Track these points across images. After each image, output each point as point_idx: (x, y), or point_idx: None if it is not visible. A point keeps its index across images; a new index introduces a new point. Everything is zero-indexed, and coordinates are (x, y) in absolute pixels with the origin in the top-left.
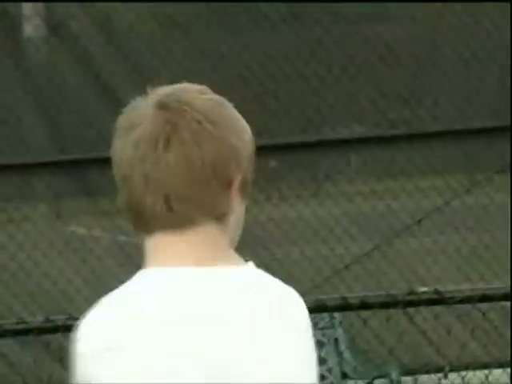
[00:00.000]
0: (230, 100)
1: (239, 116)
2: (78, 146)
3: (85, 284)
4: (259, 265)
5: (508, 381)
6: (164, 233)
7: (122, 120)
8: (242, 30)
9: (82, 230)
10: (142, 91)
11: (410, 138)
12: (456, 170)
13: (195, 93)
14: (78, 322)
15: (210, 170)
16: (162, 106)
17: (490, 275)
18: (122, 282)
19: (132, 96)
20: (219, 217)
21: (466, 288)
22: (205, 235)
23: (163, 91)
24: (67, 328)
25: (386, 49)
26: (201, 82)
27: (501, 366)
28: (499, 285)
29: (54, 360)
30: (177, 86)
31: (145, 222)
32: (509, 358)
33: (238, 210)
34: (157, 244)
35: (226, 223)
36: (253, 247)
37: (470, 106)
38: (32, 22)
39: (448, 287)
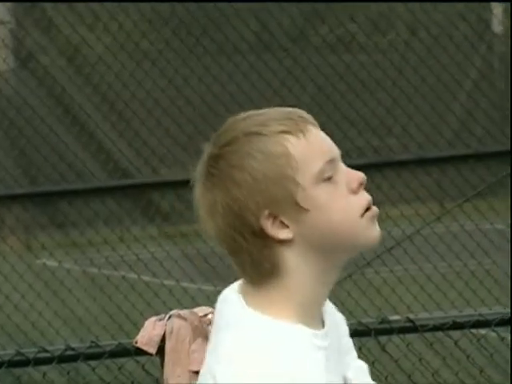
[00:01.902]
0: (200, 130)
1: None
2: (48, 178)
3: (56, 316)
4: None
5: None
6: None
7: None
8: (212, 61)
9: (52, 262)
10: (112, 123)
11: (380, 166)
12: (426, 198)
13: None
14: (49, 355)
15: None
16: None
17: (462, 302)
18: (92, 313)
19: (102, 128)
20: (269, 273)
21: (437, 316)
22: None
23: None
24: (38, 361)
25: (353, 77)
26: (170, 113)
27: None
28: (471, 312)
29: None
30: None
31: None
32: None
33: (305, 230)
34: None
35: (282, 273)
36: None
37: (439, 135)
38: (0, 55)
39: (420, 315)
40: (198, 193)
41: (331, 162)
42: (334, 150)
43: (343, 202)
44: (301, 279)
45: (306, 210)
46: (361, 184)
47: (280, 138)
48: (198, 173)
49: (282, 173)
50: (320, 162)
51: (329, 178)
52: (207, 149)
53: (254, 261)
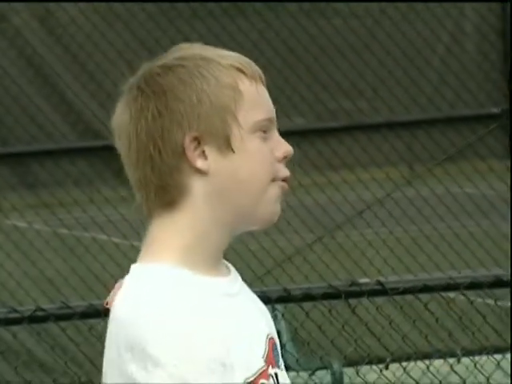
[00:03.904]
0: None
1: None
2: (18, 139)
3: (25, 277)
4: None
5: (448, 370)
6: None
7: None
8: (185, 23)
9: (22, 223)
10: (82, 84)
11: (351, 129)
12: (397, 161)
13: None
14: (19, 315)
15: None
16: None
17: (432, 266)
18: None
19: (73, 88)
20: (169, 204)
21: (407, 279)
22: (150, 229)
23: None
24: (8, 321)
25: (326, 41)
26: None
27: (441, 356)
28: (440, 275)
29: None
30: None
31: None
32: (448, 349)
33: (221, 169)
34: None
35: (180, 207)
36: None
37: (410, 98)
38: None
39: (390, 278)
40: (129, 97)
41: (270, 120)
42: (274, 113)
43: (266, 160)
44: (196, 216)
45: (231, 151)
46: (285, 157)
47: (235, 73)
48: (134, 78)
49: (226, 104)
50: (262, 115)
51: (264, 133)
52: (156, 61)
53: (162, 185)
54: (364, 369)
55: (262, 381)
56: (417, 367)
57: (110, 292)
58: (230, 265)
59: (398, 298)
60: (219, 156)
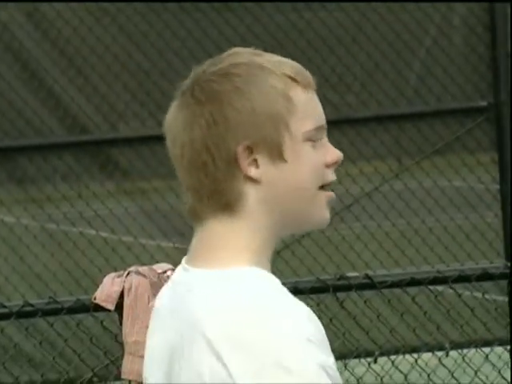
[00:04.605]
0: (159, 86)
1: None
2: (6, 134)
3: (13, 272)
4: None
5: (436, 363)
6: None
7: None
8: (172, 17)
9: (10, 218)
10: (70, 79)
11: (339, 123)
12: (385, 155)
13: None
14: (7, 310)
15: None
16: None
17: (420, 259)
18: (50, 270)
19: (60, 83)
20: (225, 207)
21: (395, 272)
22: (205, 232)
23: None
24: None
25: (314, 35)
26: (129, 68)
27: (430, 349)
28: (428, 269)
29: None
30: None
31: None
32: (436, 342)
33: (273, 177)
34: None
35: (238, 212)
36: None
37: (398, 91)
38: None
39: (378, 272)
40: (182, 102)
41: (321, 128)
42: (324, 121)
43: (315, 168)
44: (256, 220)
45: (284, 160)
46: (336, 163)
47: (288, 82)
48: (187, 85)
49: (280, 113)
50: (314, 123)
51: (314, 142)
52: (209, 66)
53: (216, 189)
54: (352, 362)
55: None
56: (405, 361)
57: (98, 287)
58: None
59: (386, 291)
60: (271, 165)
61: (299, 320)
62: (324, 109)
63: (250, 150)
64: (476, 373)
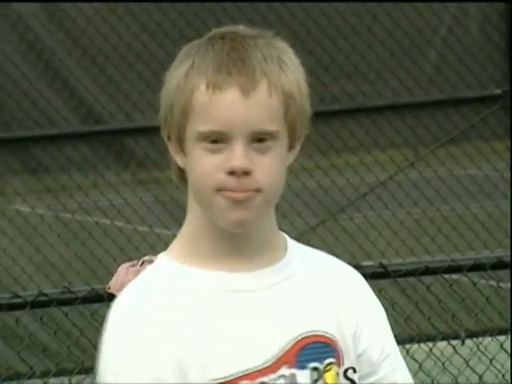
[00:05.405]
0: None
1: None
2: (21, 124)
3: (29, 262)
4: None
5: (451, 352)
6: None
7: None
8: (186, 7)
9: (25, 208)
10: (85, 69)
11: (354, 112)
12: (400, 144)
13: None
14: (22, 300)
15: None
16: None
17: (435, 248)
18: (65, 259)
19: (75, 73)
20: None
21: (410, 261)
22: None
23: None
24: (11, 306)
25: (328, 23)
26: (143, 57)
27: (445, 338)
28: (443, 257)
29: None
30: None
31: None
32: (451, 331)
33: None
34: None
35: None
36: None
37: (413, 80)
38: None
39: (393, 261)
40: None
41: (220, 133)
42: (232, 127)
43: (204, 171)
44: (192, 209)
45: (185, 154)
46: (233, 172)
47: (197, 79)
48: None
49: (183, 108)
50: (208, 126)
51: (211, 144)
52: None
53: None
54: None
55: (244, 382)
56: (420, 349)
57: (112, 276)
58: (290, 258)
59: (400, 280)
60: (182, 155)
61: None
62: (339, 98)
63: (168, 137)
64: (491, 361)
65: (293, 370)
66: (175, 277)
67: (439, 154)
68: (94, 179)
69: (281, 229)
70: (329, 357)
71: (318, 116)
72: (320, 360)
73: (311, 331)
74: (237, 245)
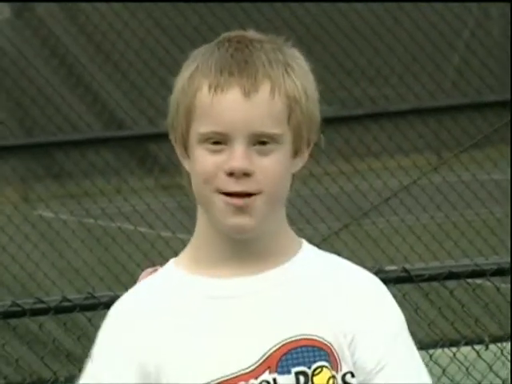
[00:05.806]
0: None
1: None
2: (44, 130)
3: (52, 267)
4: None
5: (475, 357)
6: None
7: None
8: (209, 11)
9: (49, 213)
10: (107, 74)
11: (377, 116)
12: (423, 148)
13: None
14: (45, 306)
15: None
16: None
17: (458, 253)
18: (89, 265)
19: (98, 79)
20: None
21: (433, 266)
22: None
23: None
24: (35, 312)
25: (351, 27)
26: (165, 63)
27: (468, 343)
28: (467, 262)
29: (21, 344)
30: None
31: None
32: (475, 336)
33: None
34: None
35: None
36: None
37: (435, 84)
38: None
39: (416, 265)
40: None
41: (221, 134)
42: (232, 127)
43: (205, 171)
44: (199, 214)
45: (188, 156)
46: (232, 173)
47: (200, 80)
48: None
49: (187, 110)
50: (209, 127)
51: (212, 145)
52: None
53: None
54: None
55: None
56: (444, 354)
57: (135, 282)
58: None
59: (424, 285)
60: (188, 159)
61: None
62: (362, 102)
63: (174, 139)
64: None
65: (274, 375)
66: (168, 283)
67: (462, 158)
68: (117, 185)
69: (304, 234)
70: (320, 360)
71: (341, 120)
72: (307, 364)
73: (300, 335)
74: (240, 250)
